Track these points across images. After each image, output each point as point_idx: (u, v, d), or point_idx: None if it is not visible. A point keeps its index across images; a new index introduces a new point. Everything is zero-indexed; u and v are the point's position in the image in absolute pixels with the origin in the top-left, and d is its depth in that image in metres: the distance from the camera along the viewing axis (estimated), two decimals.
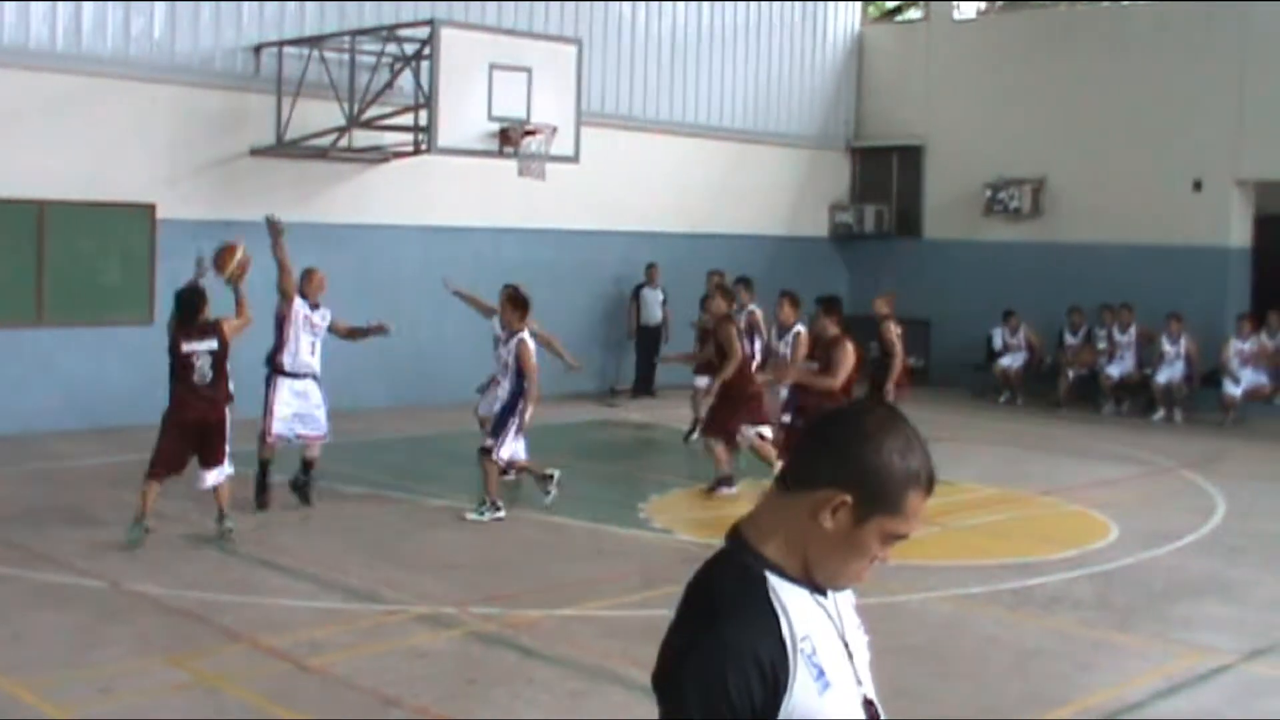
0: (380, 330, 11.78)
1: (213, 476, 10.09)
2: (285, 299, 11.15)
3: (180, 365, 9.99)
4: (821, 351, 10.99)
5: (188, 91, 15.50)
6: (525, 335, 11.12)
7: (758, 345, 13.48)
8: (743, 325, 13.10)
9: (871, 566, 2.32)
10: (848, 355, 9.75)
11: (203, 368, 10.00)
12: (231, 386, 10.29)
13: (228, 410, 10.24)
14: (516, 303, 11.19)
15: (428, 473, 11.60)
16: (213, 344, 10.05)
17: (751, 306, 13.47)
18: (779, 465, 12.10)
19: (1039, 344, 20.01)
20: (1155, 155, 19.75)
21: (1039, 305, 20.06)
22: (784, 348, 12.60)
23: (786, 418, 12.10)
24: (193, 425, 9.98)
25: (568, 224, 18.98)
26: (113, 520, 10.53)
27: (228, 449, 10.19)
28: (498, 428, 11.10)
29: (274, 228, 11.11)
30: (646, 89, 20.24)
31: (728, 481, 12.09)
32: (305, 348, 11.23)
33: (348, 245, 16.91)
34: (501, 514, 11.01)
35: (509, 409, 11.09)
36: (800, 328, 12.40)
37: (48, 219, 14.68)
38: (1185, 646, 8.19)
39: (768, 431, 12.09)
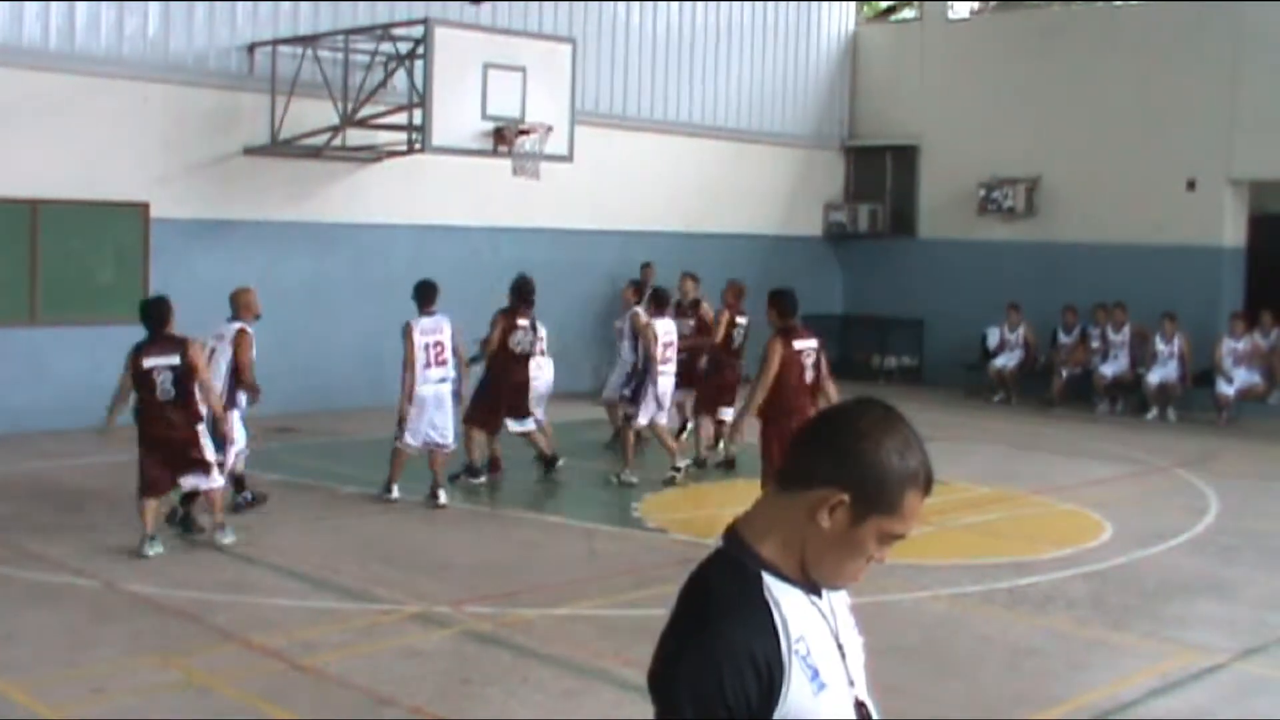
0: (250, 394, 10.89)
1: (189, 482, 9.64)
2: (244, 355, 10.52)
3: (140, 382, 9.31)
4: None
5: (181, 90, 15.47)
6: (410, 321, 11.68)
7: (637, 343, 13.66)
8: (626, 327, 13.76)
9: (868, 567, 2.31)
10: (772, 351, 9.79)
11: (164, 384, 9.31)
12: (202, 406, 9.55)
13: (199, 429, 9.55)
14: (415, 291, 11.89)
15: (420, 473, 11.59)
16: (174, 359, 9.35)
17: (636, 309, 13.77)
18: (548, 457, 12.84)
19: (1034, 342, 20.02)
20: (1149, 155, 19.77)
21: (1033, 304, 20.05)
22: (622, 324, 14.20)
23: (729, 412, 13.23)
24: (161, 442, 9.42)
25: (562, 223, 18.97)
26: (106, 520, 10.52)
27: (211, 458, 9.62)
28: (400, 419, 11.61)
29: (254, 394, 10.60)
30: (641, 88, 20.23)
31: (474, 472, 12.46)
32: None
33: (342, 244, 16.91)
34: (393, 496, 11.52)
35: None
36: (638, 308, 13.64)
37: (41, 218, 14.65)
38: (1179, 645, 8.20)
39: (529, 425, 12.65)
